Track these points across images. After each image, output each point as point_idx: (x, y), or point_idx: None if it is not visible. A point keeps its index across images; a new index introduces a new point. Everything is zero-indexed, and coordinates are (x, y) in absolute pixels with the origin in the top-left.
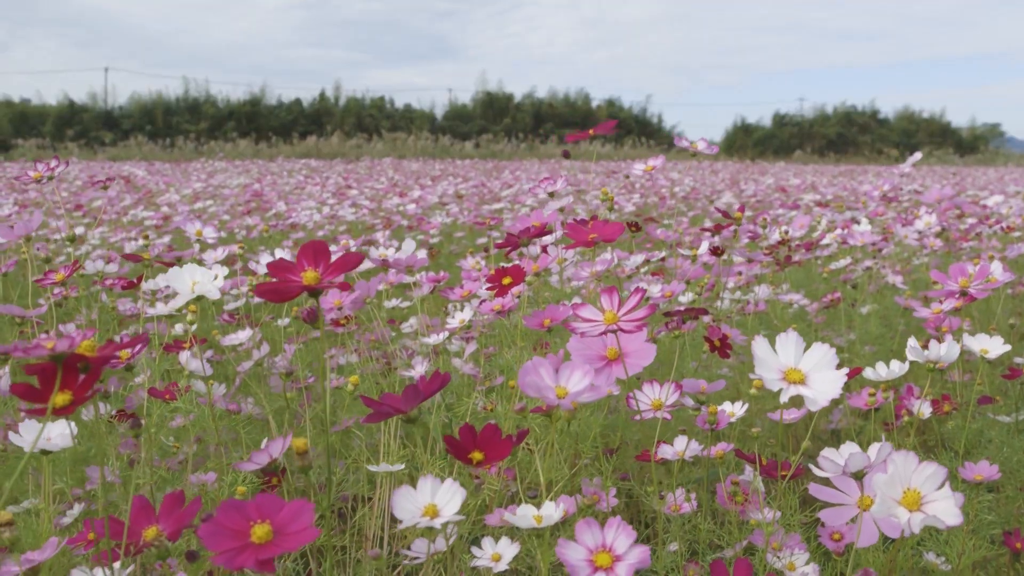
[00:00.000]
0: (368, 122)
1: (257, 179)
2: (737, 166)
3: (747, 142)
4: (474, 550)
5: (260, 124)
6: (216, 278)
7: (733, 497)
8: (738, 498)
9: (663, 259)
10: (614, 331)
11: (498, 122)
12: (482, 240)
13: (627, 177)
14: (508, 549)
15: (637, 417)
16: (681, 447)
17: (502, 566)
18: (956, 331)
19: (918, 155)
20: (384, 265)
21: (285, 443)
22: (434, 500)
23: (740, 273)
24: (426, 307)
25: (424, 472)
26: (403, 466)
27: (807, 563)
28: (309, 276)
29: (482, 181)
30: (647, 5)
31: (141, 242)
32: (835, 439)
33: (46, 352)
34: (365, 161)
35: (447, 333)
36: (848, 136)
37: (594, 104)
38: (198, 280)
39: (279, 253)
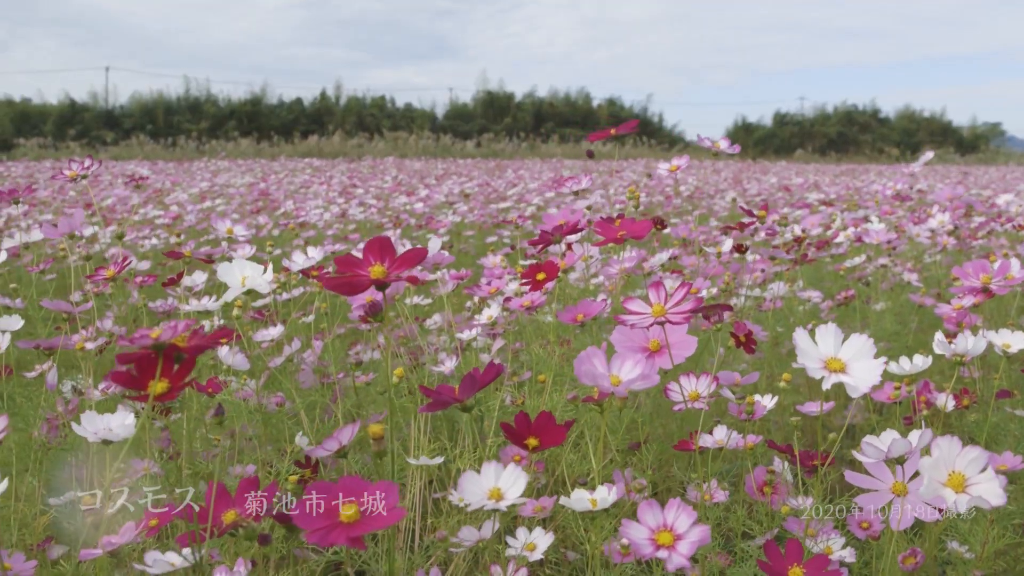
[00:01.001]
0: (369, 121)
1: (262, 178)
2: (739, 165)
3: (748, 141)
4: (508, 540)
5: (261, 123)
6: (265, 272)
7: (764, 486)
8: (767, 489)
9: (677, 257)
10: (662, 323)
11: (499, 121)
12: (491, 239)
13: (649, 176)
14: (542, 539)
15: (679, 407)
16: (721, 436)
17: (536, 555)
18: (973, 327)
19: (930, 155)
20: None
21: (353, 430)
22: (498, 484)
23: (763, 270)
24: (450, 304)
25: (455, 465)
26: (441, 459)
27: (843, 547)
28: (377, 270)
29: (486, 180)
30: (647, 5)
31: (154, 241)
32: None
33: (150, 341)
34: (367, 160)
35: (478, 328)
36: (849, 135)
37: (595, 103)
38: (248, 275)
39: (307, 251)
